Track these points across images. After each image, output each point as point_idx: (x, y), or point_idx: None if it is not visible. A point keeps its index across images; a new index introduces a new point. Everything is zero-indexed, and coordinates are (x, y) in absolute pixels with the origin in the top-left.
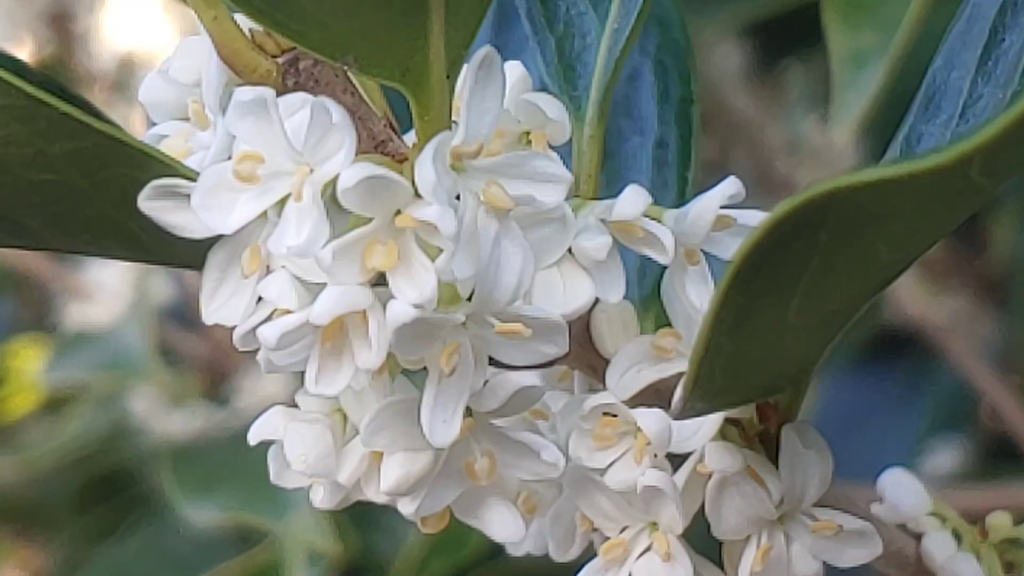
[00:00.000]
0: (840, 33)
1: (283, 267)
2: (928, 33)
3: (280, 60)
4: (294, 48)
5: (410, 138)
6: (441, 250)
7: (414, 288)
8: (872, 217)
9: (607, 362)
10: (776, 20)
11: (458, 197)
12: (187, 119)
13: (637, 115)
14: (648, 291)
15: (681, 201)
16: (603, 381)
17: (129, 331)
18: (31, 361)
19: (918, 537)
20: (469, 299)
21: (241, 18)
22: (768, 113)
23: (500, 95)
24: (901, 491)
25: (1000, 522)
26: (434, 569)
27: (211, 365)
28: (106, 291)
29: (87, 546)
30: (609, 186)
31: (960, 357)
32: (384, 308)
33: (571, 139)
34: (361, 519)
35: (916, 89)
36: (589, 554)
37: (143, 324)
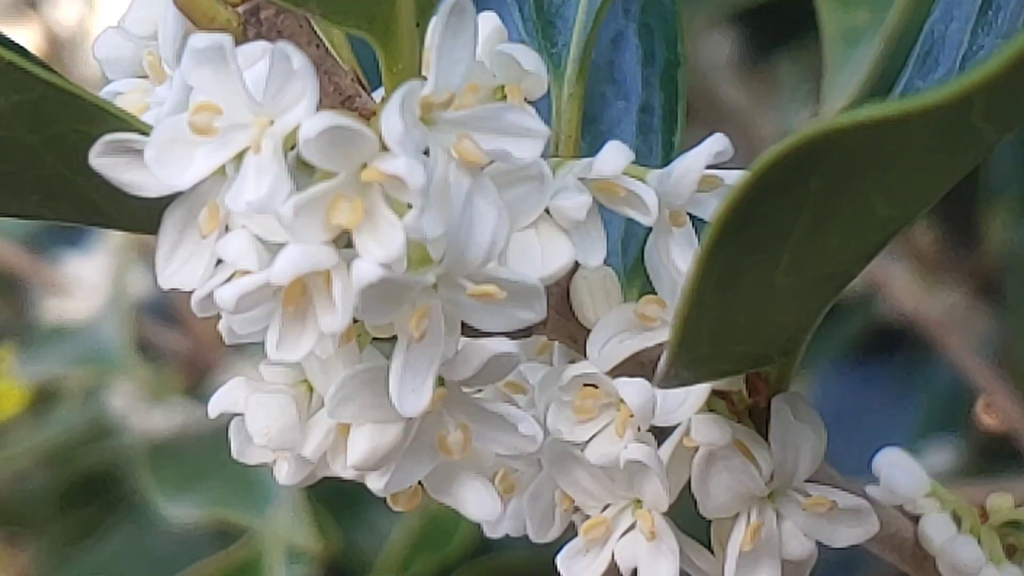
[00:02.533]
0: (833, 11)
1: (243, 226)
2: (922, 10)
3: (240, 9)
4: None
5: (379, 96)
6: (410, 207)
7: (381, 247)
8: (867, 164)
9: (588, 332)
10: (765, 8)
11: (428, 153)
12: (145, 76)
13: (621, 80)
14: (632, 261)
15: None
16: (584, 352)
17: (107, 325)
18: (12, 365)
19: (916, 519)
20: (441, 262)
21: None
22: (758, 103)
23: (472, 43)
24: (897, 471)
25: (1001, 504)
26: (418, 567)
27: (191, 361)
28: (84, 285)
29: (68, 547)
30: (591, 154)
31: (955, 352)
32: (349, 268)
33: (550, 98)
34: (343, 516)
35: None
36: (570, 534)
37: (121, 318)
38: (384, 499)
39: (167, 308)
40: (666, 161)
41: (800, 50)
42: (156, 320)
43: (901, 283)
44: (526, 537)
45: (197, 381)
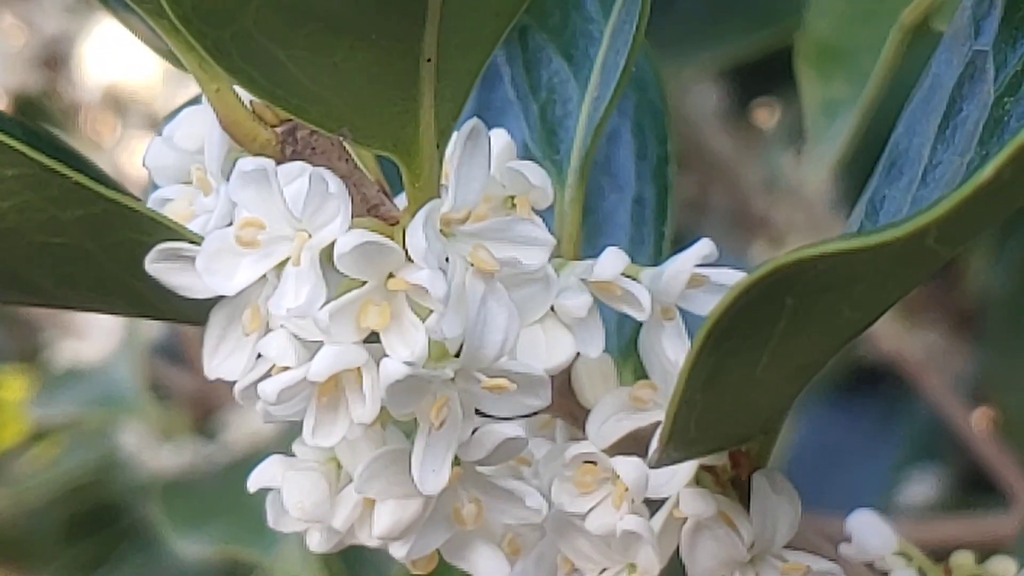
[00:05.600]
0: (813, 83)
1: (282, 326)
2: (898, 82)
3: (279, 130)
4: (292, 118)
5: (401, 200)
6: (431, 310)
7: (406, 346)
8: (835, 282)
9: (587, 411)
10: (752, 61)
11: (447, 260)
12: (189, 182)
13: (616, 173)
14: (627, 341)
15: (658, 255)
16: (583, 429)
17: (121, 367)
18: (17, 392)
19: (885, 575)
20: (457, 355)
21: (241, 90)
22: (744, 153)
23: (487, 165)
24: (868, 531)
25: (964, 560)
26: None
27: (199, 399)
28: (98, 327)
29: None
30: (589, 240)
31: (934, 391)
32: (377, 365)
33: (553, 201)
34: (348, 551)
35: (883, 146)
36: None
37: (135, 360)
38: None
39: (176, 349)
40: (658, 249)
41: (784, 103)
42: (165, 360)
43: (881, 323)
44: None
45: (205, 419)
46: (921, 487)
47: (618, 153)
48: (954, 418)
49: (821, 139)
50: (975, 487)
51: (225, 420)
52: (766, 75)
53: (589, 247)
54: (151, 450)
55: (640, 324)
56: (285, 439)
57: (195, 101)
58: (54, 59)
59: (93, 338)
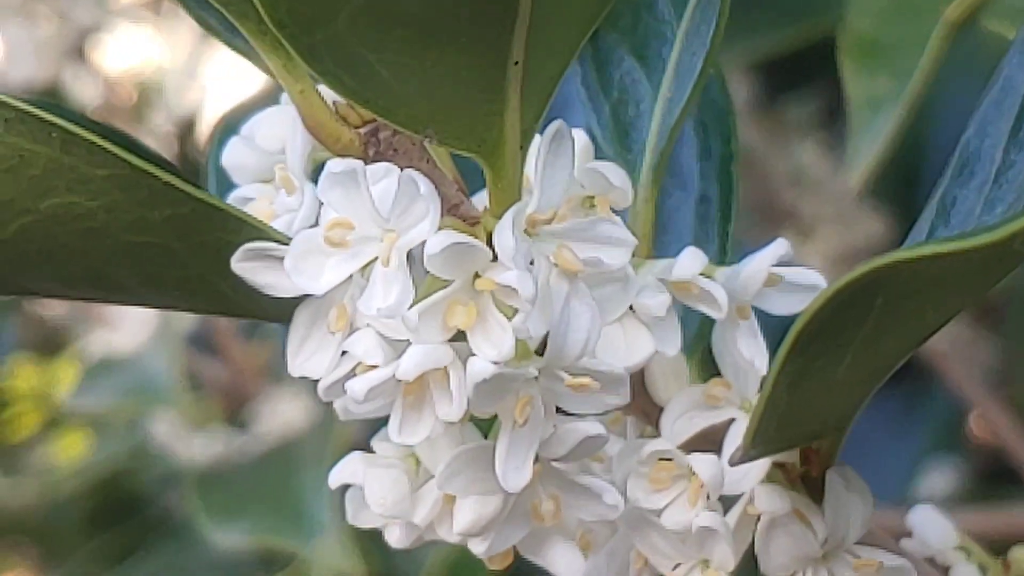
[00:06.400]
0: (856, 79)
1: (368, 325)
2: (941, 79)
3: (362, 131)
4: (374, 119)
5: (477, 199)
6: (515, 309)
7: (493, 347)
8: (923, 285)
9: (659, 408)
10: (782, 55)
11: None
12: (266, 181)
13: (679, 171)
14: (691, 338)
15: (723, 254)
16: (655, 425)
17: (155, 358)
18: (33, 380)
19: (945, 570)
20: (539, 353)
21: (324, 90)
22: (773, 146)
23: (570, 166)
24: (930, 527)
25: (1022, 555)
26: None
27: (231, 390)
28: (130, 318)
29: (101, 567)
30: (654, 238)
31: (957, 381)
32: (464, 364)
33: None
34: (383, 541)
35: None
36: None
37: (170, 351)
38: None
39: (207, 339)
40: (722, 248)
41: (811, 95)
42: (197, 351)
43: None
44: None
45: (236, 410)
46: (943, 477)
47: (681, 151)
48: (976, 409)
49: (864, 134)
50: (998, 477)
51: (257, 410)
52: (796, 68)
53: (654, 245)
54: (183, 440)
55: (700, 321)
56: (317, 431)
57: (274, 100)
58: (78, 50)
59: (125, 329)
